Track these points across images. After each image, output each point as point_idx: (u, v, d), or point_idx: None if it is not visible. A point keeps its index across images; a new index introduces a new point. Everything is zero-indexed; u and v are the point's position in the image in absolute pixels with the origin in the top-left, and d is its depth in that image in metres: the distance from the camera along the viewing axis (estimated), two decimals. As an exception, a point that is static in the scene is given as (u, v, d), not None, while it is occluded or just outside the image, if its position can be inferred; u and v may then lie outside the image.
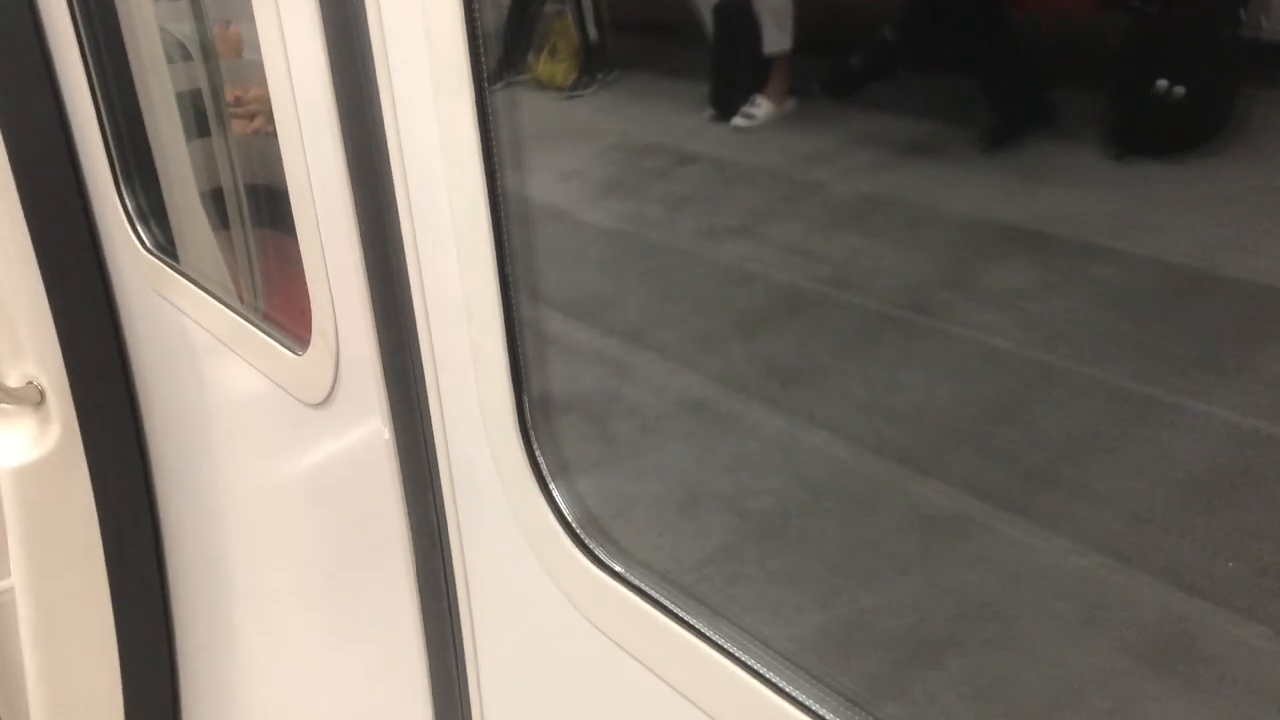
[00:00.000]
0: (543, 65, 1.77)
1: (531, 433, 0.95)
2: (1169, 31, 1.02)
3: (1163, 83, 1.00)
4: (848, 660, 1.15)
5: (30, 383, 1.84)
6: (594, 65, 1.74)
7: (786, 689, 0.74)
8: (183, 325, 1.60)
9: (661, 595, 0.84)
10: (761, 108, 1.40)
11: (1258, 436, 1.06)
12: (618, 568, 0.88)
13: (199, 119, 1.88)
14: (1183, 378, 1.11)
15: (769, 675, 0.75)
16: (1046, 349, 1.21)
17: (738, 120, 1.42)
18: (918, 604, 1.20)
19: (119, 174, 1.68)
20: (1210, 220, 1.08)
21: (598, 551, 0.90)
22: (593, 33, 1.79)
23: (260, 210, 1.78)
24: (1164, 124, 1.03)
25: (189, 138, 1.84)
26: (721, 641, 0.78)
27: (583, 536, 0.91)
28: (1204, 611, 1.02)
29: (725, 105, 1.43)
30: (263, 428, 1.49)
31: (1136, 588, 1.07)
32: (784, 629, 1.16)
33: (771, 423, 1.46)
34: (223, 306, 1.47)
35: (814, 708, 0.72)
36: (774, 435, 1.45)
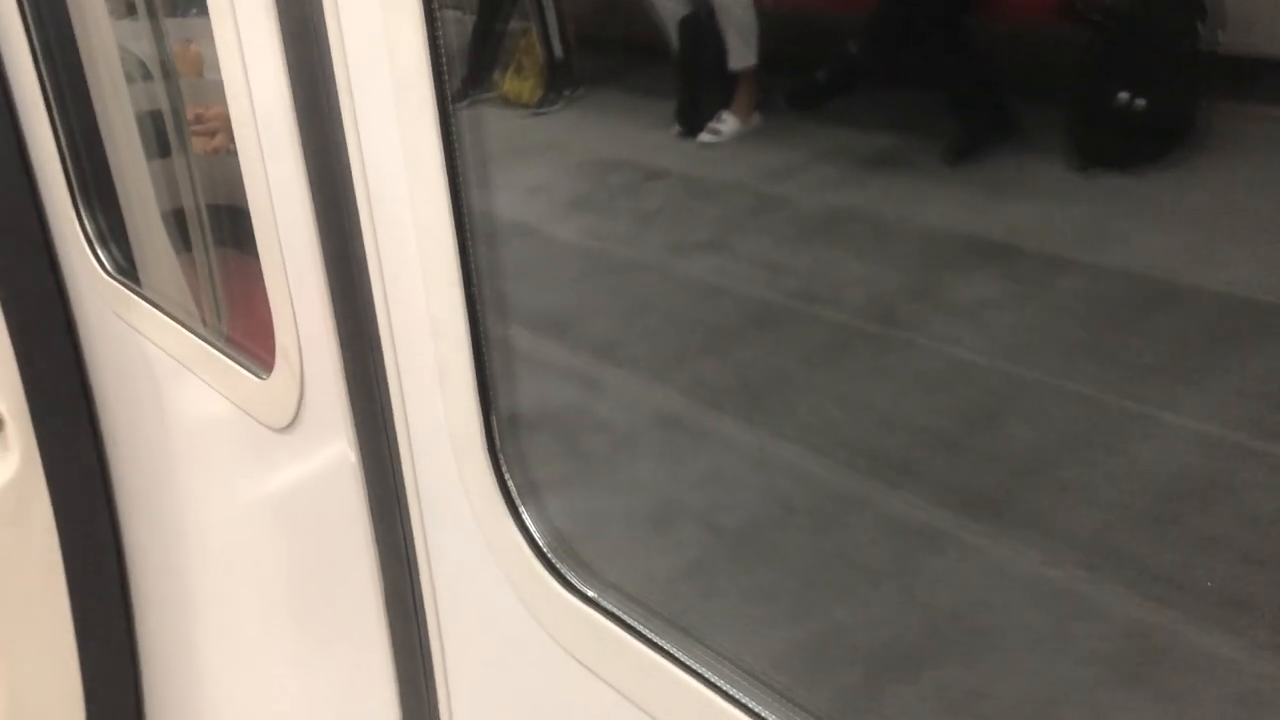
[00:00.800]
0: (509, 83, 1.76)
1: (500, 454, 0.94)
2: (1129, 44, 1.03)
3: (1124, 95, 1.00)
4: (821, 675, 1.14)
5: (-12, 409, 1.81)
6: (560, 82, 1.74)
7: (757, 710, 0.73)
8: (144, 349, 1.58)
9: (631, 618, 0.84)
10: (728, 123, 1.40)
11: (1226, 445, 1.06)
12: (588, 591, 0.87)
13: (160, 139, 1.86)
14: (1151, 388, 1.12)
15: (739, 696, 0.74)
16: (1015, 360, 1.21)
17: (704, 136, 1.43)
18: (890, 618, 1.20)
19: (78, 196, 1.66)
20: (1173, 231, 1.09)
21: (567, 574, 0.89)
22: (558, 50, 1.79)
23: (223, 231, 1.76)
24: (1126, 136, 1.03)
25: (150, 158, 1.82)
26: (692, 663, 0.78)
27: (552, 559, 0.90)
28: (1175, 622, 1.02)
29: (692, 121, 1.44)
30: (227, 453, 1.47)
31: (1108, 599, 1.07)
32: (756, 646, 1.16)
33: (743, 437, 1.46)
34: (185, 330, 1.45)
35: (787, 729, 0.72)
36: (745, 450, 1.45)
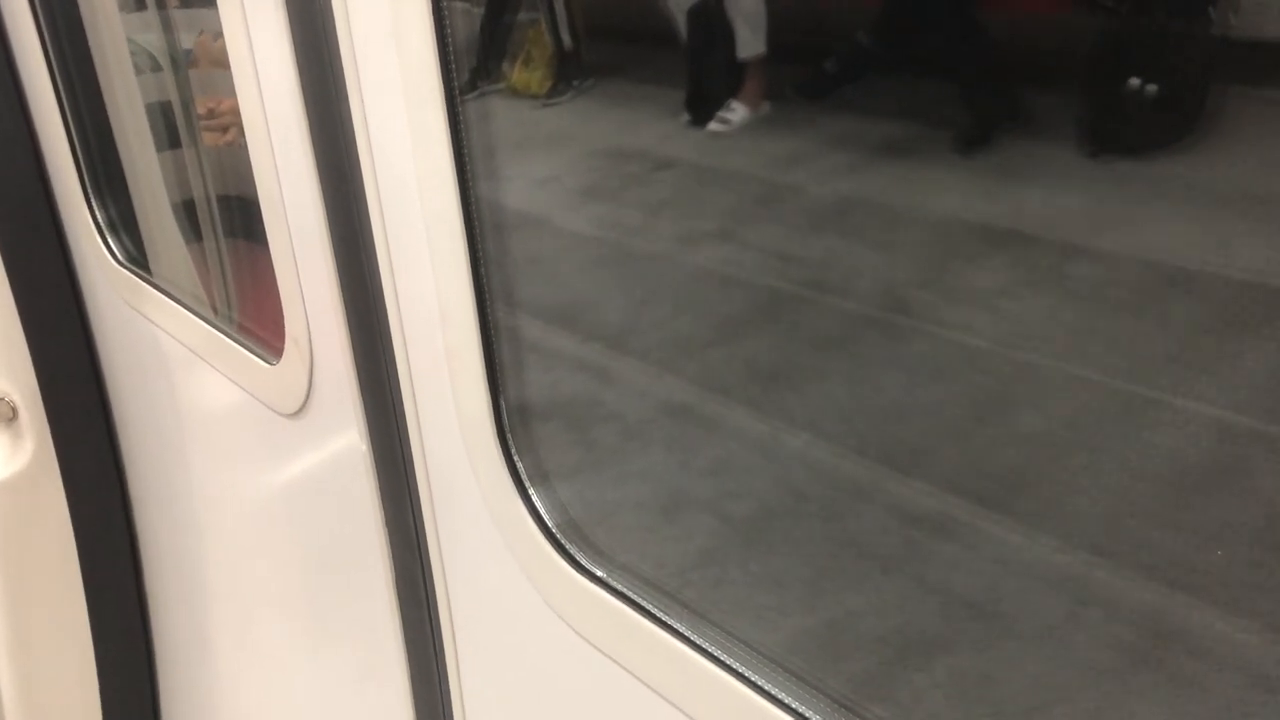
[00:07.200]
0: (518, 74, 1.77)
1: (509, 439, 0.94)
2: (1140, 30, 1.02)
3: (1135, 81, 1.00)
4: (834, 663, 1.14)
5: (2, 399, 1.82)
6: (569, 73, 1.74)
7: (769, 690, 0.73)
8: (155, 337, 1.58)
9: (643, 599, 0.84)
10: (737, 112, 1.40)
11: (1238, 430, 1.06)
12: (599, 572, 0.88)
13: (169, 130, 1.86)
14: (1162, 374, 1.11)
15: (752, 676, 0.74)
16: (1026, 347, 1.21)
17: (714, 125, 1.42)
18: (903, 605, 1.20)
19: (89, 186, 1.67)
20: (1185, 216, 1.08)
21: (578, 556, 0.89)
22: (567, 41, 1.79)
23: (233, 220, 1.76)
24: (1137, 122, 1.03)
25: (160, 149, 1.83)
26: (704, 644, 0.78)
27: (563, 542, 0.90)
28: (1188, 606, 1.02)
29: (701, 110, 1.44)
30: (238, 439, 1.47)
31: (1121, 584, 1.07)
32: (769, 633, 1.16)
33: (753, 426, 1.46)
34: (195, 318, 1.46)
35: (799, 709, 0.72)
36: (755, 438, 1.45)
